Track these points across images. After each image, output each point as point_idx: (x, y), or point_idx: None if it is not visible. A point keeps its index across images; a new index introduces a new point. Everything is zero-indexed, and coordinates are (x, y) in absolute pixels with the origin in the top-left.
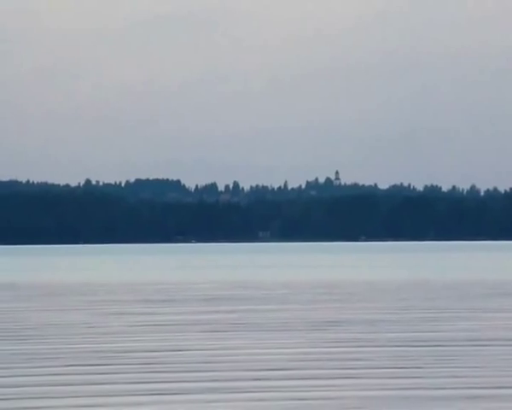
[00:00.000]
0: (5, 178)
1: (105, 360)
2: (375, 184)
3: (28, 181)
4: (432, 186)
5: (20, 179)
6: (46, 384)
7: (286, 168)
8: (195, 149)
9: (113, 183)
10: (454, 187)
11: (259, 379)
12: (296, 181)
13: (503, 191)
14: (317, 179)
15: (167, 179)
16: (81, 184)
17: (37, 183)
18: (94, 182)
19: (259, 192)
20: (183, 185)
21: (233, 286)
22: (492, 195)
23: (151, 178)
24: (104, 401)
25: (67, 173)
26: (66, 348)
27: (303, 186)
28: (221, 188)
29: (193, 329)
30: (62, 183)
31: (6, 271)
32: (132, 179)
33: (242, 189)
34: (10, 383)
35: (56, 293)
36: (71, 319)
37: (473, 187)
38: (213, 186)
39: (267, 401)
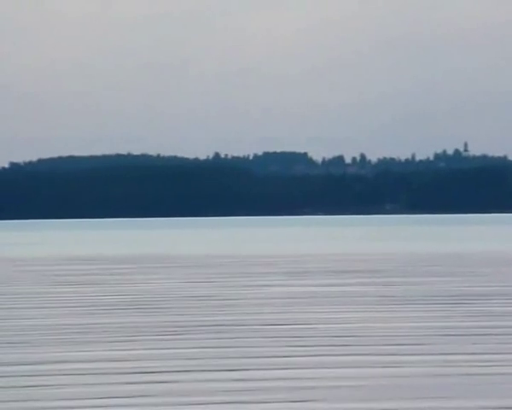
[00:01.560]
0: (137, 152)
1: (238, 333)
2: (505, 156)
3: (159, 155)
4: None
5: (150, 153)
6: (180, 358)
7: (413, 140)
8: (322, 121)
9: (241, 156)
10: None
11: (396, 354)
12: (424, 153)
13: None
14: (445, 151)
15: (294, 152)
16: (210, 158)
17: (167, 156)
18: (222, 155)
19: (387, 164)
20: (310, 158)
21: (364, 258)
22: None
23: (278, 151)
24: (240, 376)
25: (196, 147)
26: (199, 321)
27: (431, 158)
28: (348, 160)
29: (326, 301)
30: (191, 156)
31: (135, 243)
32: (260, 152)
33: (369, 161)
34: (144, 355)
35: (185, 265)
36: (202, 292)
37: None
38: (340, 159)
39: (403, 378)
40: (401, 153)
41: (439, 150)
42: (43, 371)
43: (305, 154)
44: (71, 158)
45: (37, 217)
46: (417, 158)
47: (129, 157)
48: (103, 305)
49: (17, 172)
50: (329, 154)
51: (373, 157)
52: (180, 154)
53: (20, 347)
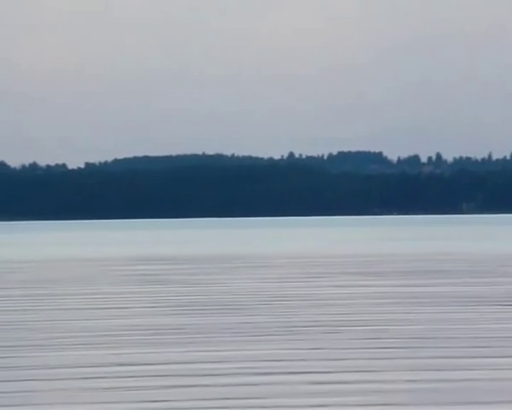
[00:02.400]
0: (211, 151)
1: (317, 334)
2: None
3: (233, 155)
4: None
5: (225, 153)
6: (264, 360)
7: (490, 139)
8: (397, 121)
9: (315, 155)
10: None
11: (478, 356)
12: (500, 152)
13: None
14: None
15: (369, 152)
16: (284, 157)
17: (242, 156)
18: (297, 155)
19: (463, 163)
20: (385, 157)
21: (437, 258)
22: None
23: (353, 150)
24: (321, 378)
25: (271, 147)
26: (283, 322)
27: (507, 157)
28: (423, 160)
29: (406, 301)
30: (266, 156)
31: (212, 242)
32: (335, 152)
33: (445, 160)
34: (229, 357)
35: (263, 265)
36: (283, 292)
37: None
38: (416, 158)
39: (484, 382)
40: (477, 152)
41: None
42: (134, 372)
43: (380, 153)
44: (146, 158)
45: (113, 217)
46: (494, 157)
47: (203, 157)
48: (186, 305)
49: (92, 172)
50: (404, 153)
51: (449, 156)
52: (254, 154)
53: (109, 347)
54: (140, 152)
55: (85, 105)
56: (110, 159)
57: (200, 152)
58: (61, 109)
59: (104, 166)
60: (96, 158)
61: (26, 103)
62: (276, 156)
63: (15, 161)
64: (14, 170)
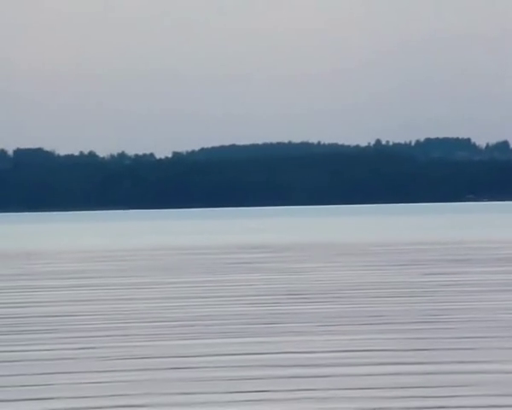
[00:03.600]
0: (297, 140)
1: (421, 324)
2: None
3: (319, 142)
4: None
5: (311, 141)
6: (372, 349)
7: None
8: (484, 107)
9: (402, 142)
10: None
11: None
12: None
13: None
14: None
15: (457, 138)
16: (371, 145)
17: (328, 144)
18: (384, 142)
19: None
20: (474, 144)
21: None
22: None
23: (441, 136)
24: (431, 369)
25: (357, 134)
26: (381, 311)
27: None
28: None
29: (499, 289)
30: (352, 144)
31: (301, 231)
32: (422, 138)
33: None
34: (332, 346)
35: (361, 253)
36: (371, 279)
37: None
38: (505, 144)
39: None
40: None
41: None
42: (225, 363)
43: (468, 139)
44: (233, 147)
45: (199, 206)
46: None
47: (290, 145)
48: (282, 293)
49: (180, 161)
50: (493, 139)
51: None
52: (341, 141)
53: (202, 337)
54: (227, 141)
55: (171, 95)
56: (197, 148)
57: (286, 140)
58: (150, 100)
59: (191, 155)
60: (184, 147)
61: (109, 93)
62: (363, 144)
63: (104, 150)
64: (102, 159)
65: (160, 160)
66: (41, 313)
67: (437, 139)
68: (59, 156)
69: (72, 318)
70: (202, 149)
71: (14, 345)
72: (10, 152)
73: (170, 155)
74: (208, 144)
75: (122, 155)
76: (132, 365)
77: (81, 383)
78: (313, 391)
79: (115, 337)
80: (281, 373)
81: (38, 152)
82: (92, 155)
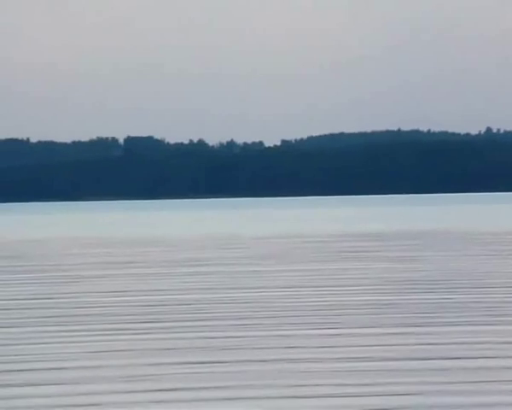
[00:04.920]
0: (407, 128)
1: None
2: None
3: (429, 130)
4: None
5: (421, 129)
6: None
7: None
8: None
9: None
10: None
11: None
12: None
13: None
14: None
15: None
16: (481, 133)
17: (438, 132)
18: (494, 130)
19: None
20: None
21: None
22: None
23: None
24: None
25: (468, 122)
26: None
27: None
28: None
29: None
30: (463, 132)
31: (413, 219)
32: None
33: None
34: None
35: (476, 241)
36: (490, 269)
37: None
38: None
39: None
40: None
41: None
42: (373, 353)
43: None
44: (341, 135)
45: (306, 194)
46: None
47: (399, 133)
48: (396, 282)
49: (288, 149)
50: None
51: None
52: (451, 129)
53: (319, 327)
54: (335, 129)
55: (274, 84)
56: (305, 136)
57: (395, 128)
58: (263, 89)
59: (299, 143)
60: (292, 135)
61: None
62: (473, 132)
63: (214, 139)
64: (212, 148)
65: (269, 148)
66: (169, 302)
67: None
68: (169, 144)
69: (196, 306)
70: (311, 138)
71: (153, 332)
72: (121, 140)
73: (278, 143)
74: (316, 132)
75: (231, 144)
76: (256, 355)
77: (212, 372)
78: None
79: (237, 326)
80: (404, 366)
81: (149, 140)
82: (201, 143)
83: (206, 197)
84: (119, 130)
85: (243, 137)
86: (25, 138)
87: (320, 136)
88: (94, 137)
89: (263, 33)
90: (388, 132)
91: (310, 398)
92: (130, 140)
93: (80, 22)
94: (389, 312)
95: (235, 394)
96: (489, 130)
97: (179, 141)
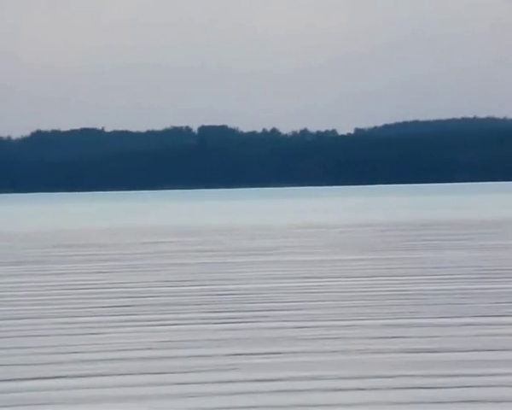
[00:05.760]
0: (483, 114)
1: None
2: None
3: (505, 117)
4: None
5: (497, 116)
6: None
7: None
8: None
9: None
10: None
11: None
12: None
13: None
14: None
15: None
16: None
17: None
18: None
19: None
20: None
21: None
22: None
23: None
24: None
25: None
26: None
27: None
28: None
29: None
30: None
31: (490, 208)
32: None
33: None
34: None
35: None
36: None
37: None
38: None
39: None
40: None
41: None
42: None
43: None
44: (415, 123)
45: (381, 182)
46: None
47: (474, 121)
48: (469, 271)
49: (362, 137)
50: None
51: None
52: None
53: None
54: (410, 117)
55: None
56: (380, 124)
57: (471, 115)
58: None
59: (374, 131)
60: (366, 124)
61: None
62: None
63: (287, 127)
64: (285, 136)
65: (343, 136)
66: (239, 291)
67: None
68: (242, 133)
69: (266, 295)
70: (385, 126)
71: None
72: (195, 129)
73: (352, 132)
74: (391, 120)
75: (304, 132)
76: (335, 345)
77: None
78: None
79: (311, 316)
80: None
81: (222, 129)
82: (275, 131)
83: (280, 186)
84: (193, 119)
85: (316, 125)
86: (99, 128)
87: (395, 123)
88: (168, 126)
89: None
90: (464, 120)
91: (377, 390)
92: (204, 129)
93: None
94: (466, 302)
95: (306, 385)
96: None
97: (252, 130)
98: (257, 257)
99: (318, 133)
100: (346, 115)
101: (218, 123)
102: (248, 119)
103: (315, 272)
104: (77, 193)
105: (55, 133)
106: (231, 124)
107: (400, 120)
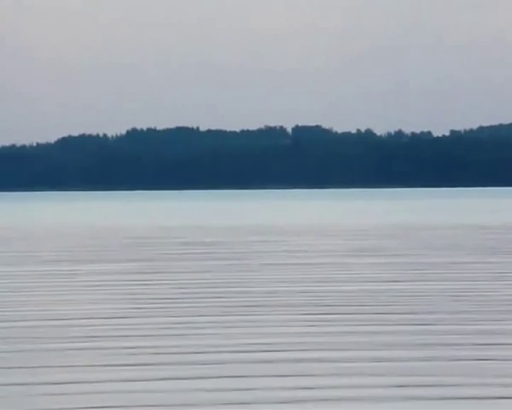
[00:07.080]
0: None
1: None
2: None
3: None
4: None
5: None
6: None
7: None
8: None
9: None
10: None
11: None
12: None
13: None
14: None
15: None
16: None
17: None
18: None
19: None
20: None
21: None
22: None
23: None
24: None
25: None
26: None
27: None
28: None
29: None
30: None
31: None
32: None
33: None
34: None
35: None
36: None
37: None
38: None
39: None
40: None
41: None
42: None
43: None
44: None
45: (477, 185)
46: None
47: None
48: None
49: (458, 139)
50: None
51: None
52: None
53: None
54: (507, 119)
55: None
56: (475, 126)
57: None
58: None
59: (470, 133)
60: (462, 126)
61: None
62: None
63: (382, 129)
64: (380, 137)
65: (438, 138)
66: (347, 292)
67: None
68: (336, 134)
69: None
70: (481, 128)
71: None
72: (289, 129)
73: (447, 134)
74: (487, 123)
75: (399, 133)
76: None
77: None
78: None
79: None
80: None
81: (316, 129)
82: (369, 132)
83: (375, 187)
84: (288, 119)
85: (412, 126)
86: (194, 127)
87: (491, 126)
88: (262, 125)
89: None
90: None
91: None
92: (298, 129)
93: None
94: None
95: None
96: None
97: (347, 130)
98: (360, 258)
99: (413, 135)
100: (441, 117)
101: (312, 123)
102: (343, 119)
103: (418, 276)
104: (167, 191)
105: (151, 131)
106: (325, 124)
107: (496, 122)
